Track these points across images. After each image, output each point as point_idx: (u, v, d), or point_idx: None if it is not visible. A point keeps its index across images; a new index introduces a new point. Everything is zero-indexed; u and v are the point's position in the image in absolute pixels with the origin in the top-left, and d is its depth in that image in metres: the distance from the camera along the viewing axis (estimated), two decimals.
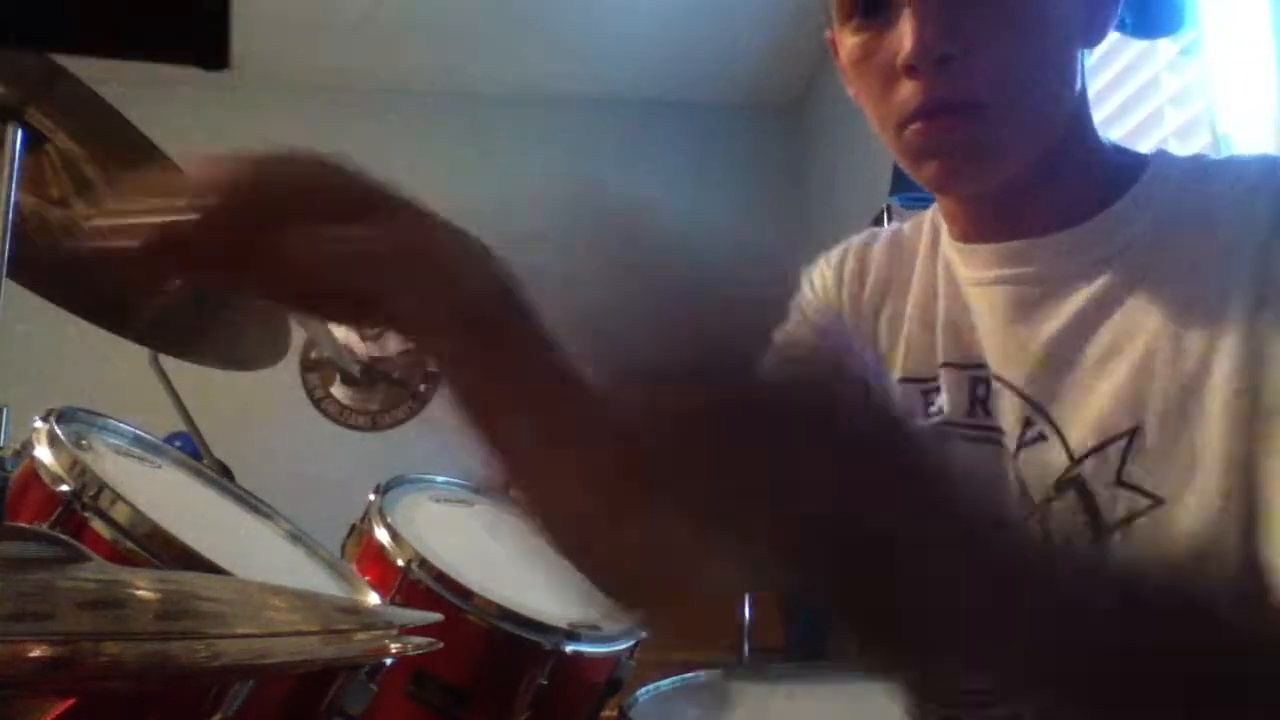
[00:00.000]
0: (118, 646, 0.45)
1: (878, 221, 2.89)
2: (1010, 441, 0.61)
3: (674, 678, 1.32)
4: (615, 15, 3.44)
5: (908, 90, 0.59)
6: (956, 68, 0.57)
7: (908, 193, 2.21)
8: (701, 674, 1.35)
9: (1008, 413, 0.62)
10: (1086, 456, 0.56)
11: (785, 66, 3.76)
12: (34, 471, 0.92)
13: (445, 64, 3.80)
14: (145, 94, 2.90)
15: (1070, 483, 0.57)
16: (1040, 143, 0.61)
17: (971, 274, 0.66)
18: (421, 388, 3.78)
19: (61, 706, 0.55)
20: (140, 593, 0.58)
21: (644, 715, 1.20)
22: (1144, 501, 0.54)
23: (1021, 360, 0.61)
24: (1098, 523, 0.56)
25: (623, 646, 1.23)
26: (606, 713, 1.26)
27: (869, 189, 2.95)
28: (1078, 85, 0.62)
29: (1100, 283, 0.59)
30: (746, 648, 1.49)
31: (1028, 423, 0.60)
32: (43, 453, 0.93)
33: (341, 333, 3.76)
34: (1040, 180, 0.62)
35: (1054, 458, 0.58)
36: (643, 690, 1.26)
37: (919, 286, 0.71)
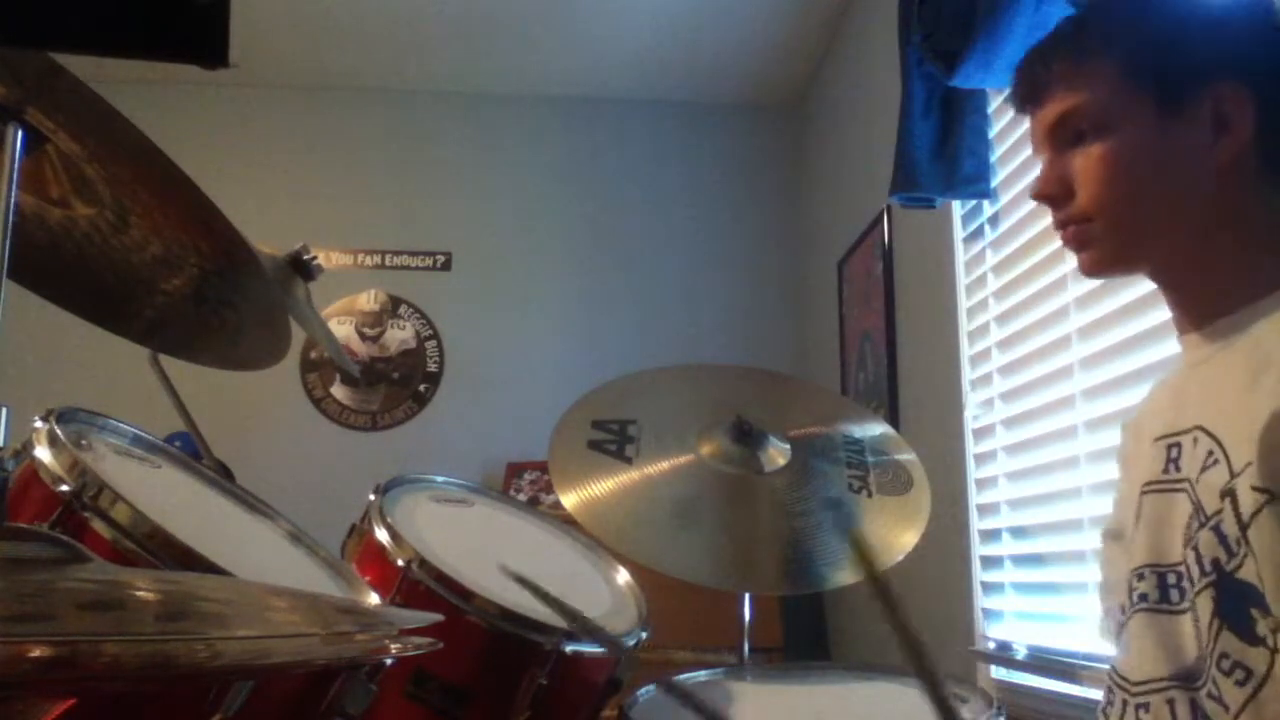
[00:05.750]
0: (117, 647, 0.45)
1: (877, 222, 2.89)
2: (1195, 472, 0.76)
3: (674, 678, 1.32)
4: (615, 15, 3.44)
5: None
6: (1065, 199, 0.84)
7: (907, 193, 2.21)
8: (701, 674, 1.35)
9: (1201, 451, 0.76)
10: (1242, 471, 0.70)
11: (785, 66, 3.76)
12: (34, 471, 0.92)
13: (445, 64, 3.81)
14: (145, 94, 2.91)
15: (1229, 492, 0.70)
16: (1157, 247, 0.83)
17: (1188, 357, 0.85)
18: (421, 388, 3.79)
19: (62, 707, 0.55)
20: (140, 594, 0.58)
21: (644, 715, 1.20)
22: (1263, 498, 0.67)
23: (1208, 410, 0.77)
24: (1240, 521, 0.69)
25: (623, 647, 1.23)
26: (606, 713, 1.26)
27: (869, 189, 2.95)
28: (1208, 204, 0.80)
29: (1239, 354, 0.76)
30: (746, 648, 1.49)
31: (1210, 453, 0.75)
32: (43, 453, 0.93)
33: (342, 332, 3.76)
34: (1195, 274, 0.82)
35: (1219, 475, 0.72)
36: (643, 690, 1.26)
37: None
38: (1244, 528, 0.69)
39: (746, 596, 1.48)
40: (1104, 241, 0.84)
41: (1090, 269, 0.86)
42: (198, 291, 1.32)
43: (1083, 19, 0.88)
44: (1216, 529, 0.71)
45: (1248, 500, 0.69)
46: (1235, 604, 0.69)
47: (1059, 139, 0.85)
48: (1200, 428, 0.77)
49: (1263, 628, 0.67)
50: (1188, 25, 0.82)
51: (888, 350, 2.78)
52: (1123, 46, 0.81)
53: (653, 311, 3.85)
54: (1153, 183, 0.81)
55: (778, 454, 1.47)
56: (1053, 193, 0.85)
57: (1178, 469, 0.80)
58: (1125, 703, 0.80)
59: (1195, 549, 0.73)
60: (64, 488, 0.88)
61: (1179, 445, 0.80)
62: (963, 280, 2.34)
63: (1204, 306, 0.82)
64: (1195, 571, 0.73)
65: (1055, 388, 1.86)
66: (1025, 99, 0.88)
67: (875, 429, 1.59)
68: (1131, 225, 0.82)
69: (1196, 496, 0.74)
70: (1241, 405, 0.72)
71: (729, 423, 1.47)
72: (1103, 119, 0.81)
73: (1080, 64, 0.83)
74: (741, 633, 1.48)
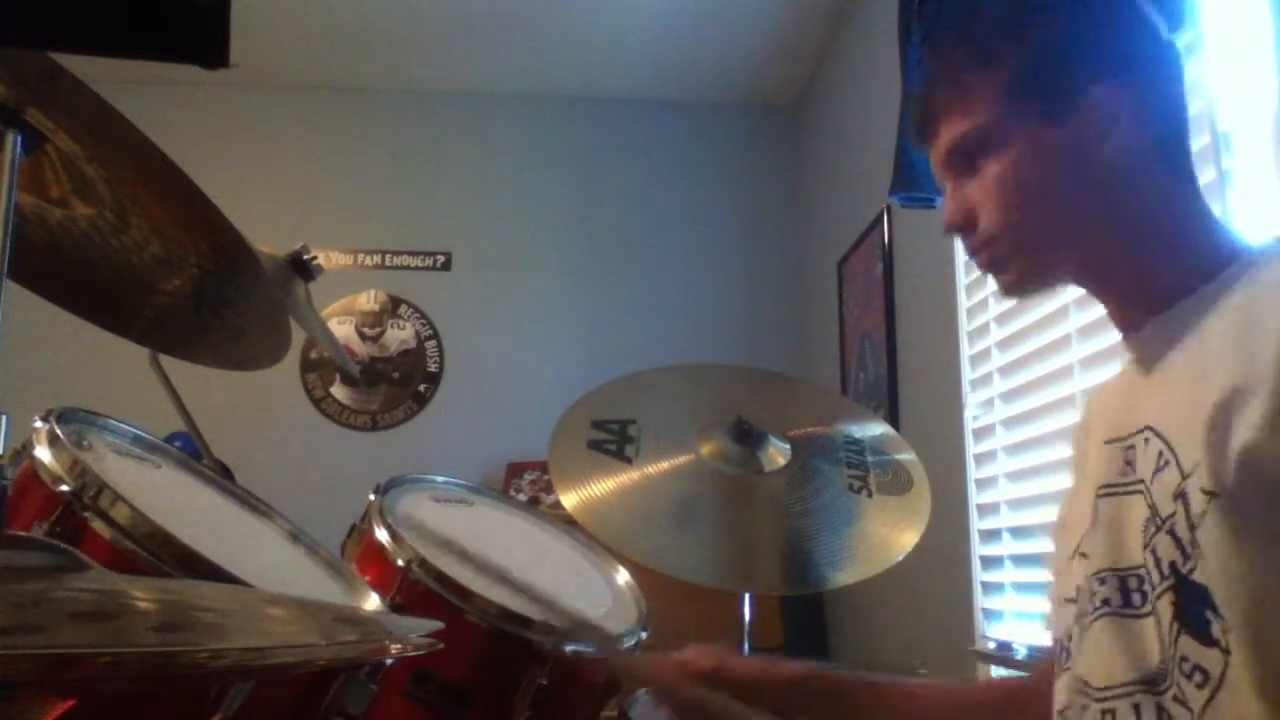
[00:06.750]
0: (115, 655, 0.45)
1: (877, 222, 2.89)
2: (1149, 474, 0.77)
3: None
4: (615, 15, 3.44)
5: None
6: (972, 227, 0.85)
7: (907, 193, 2.21)
8: None
9: (1152, 453, 0.77)
10: (1192, 472, 0.72)
11: (785, 66, 3.76)
12: (34, 472, 0.92)
13: (445, 64, 3.81)
14: (145, 94, 2.90)
15: (1180, 494, 0.72)
16: (1067, 254, 0.84)
17: (1129, 356, 0.87)
18: (421, 388, 3.78)
19: (62, 707, 0.55)
20: (138, 604, 0.58)
21: (644, 715, 1.20)
22: (1208, 499, 0.69)
23: (1159, 412, 0.78)
24: (1190, 523, 0.70)
25: (623, 647, 1.23)
26: (606, 713, 1.26)
27: (869, 189, 2.95)
28: (1112, 201, 0.81)
29: (1186, 354, 0.77)
30: (746, 647, 1.49)
31: (1160, 454, 0.76)
32: (43, 453, 0.92)
33: (341, 332, 3.76)
34: (1117, 275, 0.84)
35: (1172, 476, 0.74)
36: (643, 690, 1.26)
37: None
38: (1193, 529, 0.70)
39: (747, 596, 1.48)
40: (1014, 259, 0.85)
41: (1008, 289, 0.88)
42: (198, 291, 1.32)
43: (961, 43, 0.88)
44: (1171, 532, 0.72)
45: (1197, 502, 0.70)
46: (1192, 606, 0.70)
47: (955, 167, 0.87)
48: (1150, 428, 0.78)
49: (1217, 629, 0.68)
50: (1061, 36, 0.83)
51: (888, 350, 2.78)
52: (1001, 66, 0.83)
53: (653, 312, 3.84)
54: (1049, 191, 0.82)
55: (778, 454, 1.47)
56: (958, 222, 0.86)
57: (1134, 471, 0.80)
58: (1085, 707, 0.80)
59: (1154, 552, 0.74)
60: (64, 488, 0.88)
61: (1133, 447, 0.81)
62: (963, 280, 2.34)
63: (1136, 305, 0.83)
64: (1155, 575, 0.74)
65: (1055, 388, 1.86)
66: (920, 133, 0.90)
67: (875, 429, 1.59)
68: (1036, 238, 0.83)
69: (1152, 499, 0.76)
70: (1188, 404, 0.73)
71: (729, 423, 1.47)
72: (991, 138, 0.83)
73: (962, 90, 0.84)
74: (742, 633, 1.48)
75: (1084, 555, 0.84)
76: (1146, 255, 0.82)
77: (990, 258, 0.86)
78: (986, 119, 0.83)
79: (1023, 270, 0.85)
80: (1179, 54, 0.85)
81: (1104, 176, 0.81)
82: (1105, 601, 0.79)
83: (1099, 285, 0.86)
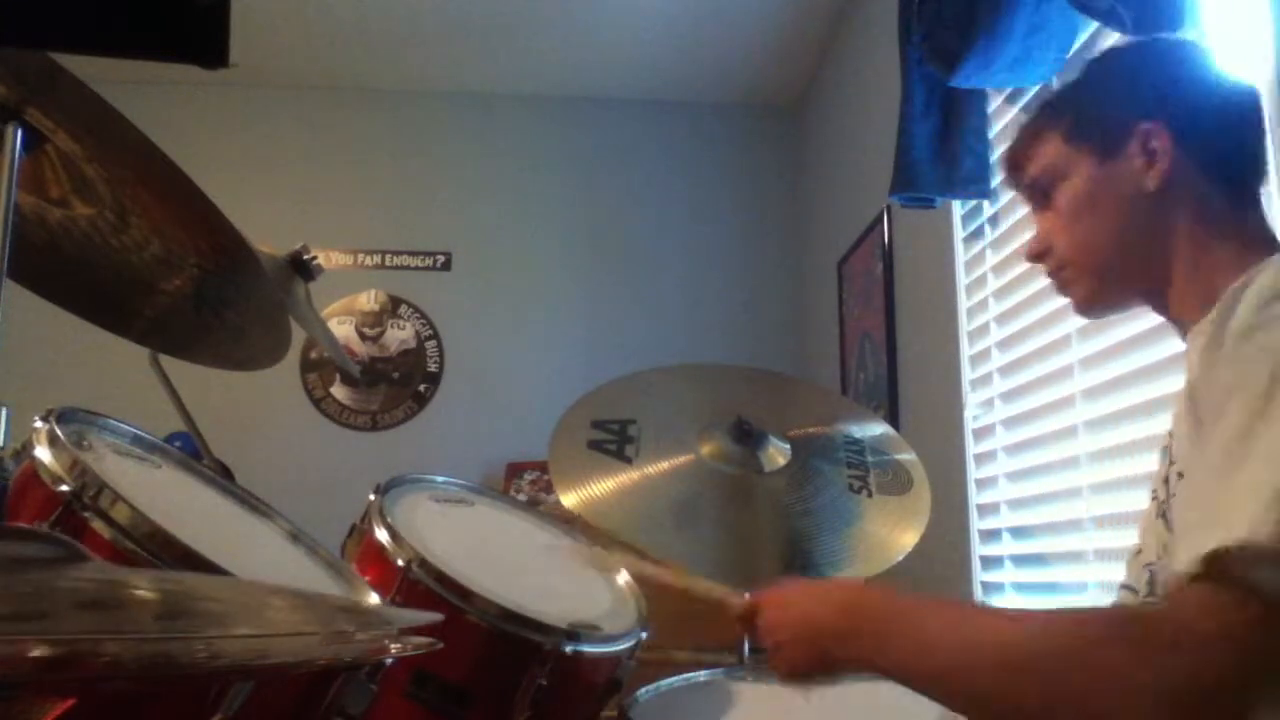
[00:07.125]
0: (117, 646, 0.45)
1: (877, 222, 2.89)
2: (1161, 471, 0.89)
3: (674, 678, 1.32)
4: (615, 15, 3.44)
5: None
6: (1048, 254, 1.00)
7: (907, 193, 2.21)
8: (702, 674, 1.35)
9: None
10: (1176, 459, 0.80)
11: (785, 66, 3.76)
12: (34, 471, 0.92)
13: (445, 64, 3.81)
14: (145, 94, 2.91)
15: (1166, 479, 0.83)
16: (1125, 273, 0.95)
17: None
18: (421, 388, 3.79)
19: (62, 707, 0.55)
20: (139, 593, 0.58)
21: (644, 715, 1.20)
22: (1180, 481, 0.78)
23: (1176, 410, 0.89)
24: (1169, 504, 0.80)
25: (623, 647, 1.23)
26: (606, 713, 1.26)
27: (869, 189, 2.95)
28: (1162, 224, 0.91)
29: (1193, 357, 0.85)
30: (746, 648, 1.49)
31: (1168, 450, 0.86)
32: (43, 453, 0.92)
33: (341, 332, 3.76)
34: (1170, 289, 0.93)
35: (1164, 466, 0.85)
36: (643, 690, 1.26)
37: None
38: (1170, 509, 0.78)
39: (746, 596, 1.48)
40: (1081, 280, 0.97)
41: (1078, 308, 1.00)
42: (198, 291, 1.32)
43: (1038, 106, 1.05)
44: (1164, 515, 0.80)
45: (1174, 483, 0.78)
46: None
47: (1035, 203, 1.02)
48: (1170, 430, 0.88)
49: None
50: (1108, 88, 0.98)
51: (888, 350, 2.78)
52: (1063, 117, 0.98)
53: (653, 311, 3.84)
54: (1106, 216, 0.95)
55: (778, 454, 1.47)
56: (1038, 250, 1.01)
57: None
58: None
59: (1157, 539, 0.82)
60: (64, 488, 0.88)
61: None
62: (963, 280, 2.34)
63: (1185, 316, 0.92)
64: (1156, 560, 0.82)
65: (1055, 388, 1.86)
66: (1009, 177, 1.06)
67: (875, 429, 1.59)
68: (1097, 258, 0.96)
69: (1156, 492, 0.85)
70: (1180, 401, 0.81)
71: (729, 423, 1.47)
72: (1057, 175, 0.98)
73: (1036, 138, 1.00)
74: (742, 633, 1.47)
75: (1140, 550, 0.94)
76: (1196, 273, 0.90)
77: (1063, 280, 0.99)
78: (1053, 161, 0.98)
79: (1089, 289, 0.98)
80: (1228, 85, 0.95)
81: (1153, 202, 0.91)
82: (1138, 592, 0.89)
83: (1160, 303, 0.95)
